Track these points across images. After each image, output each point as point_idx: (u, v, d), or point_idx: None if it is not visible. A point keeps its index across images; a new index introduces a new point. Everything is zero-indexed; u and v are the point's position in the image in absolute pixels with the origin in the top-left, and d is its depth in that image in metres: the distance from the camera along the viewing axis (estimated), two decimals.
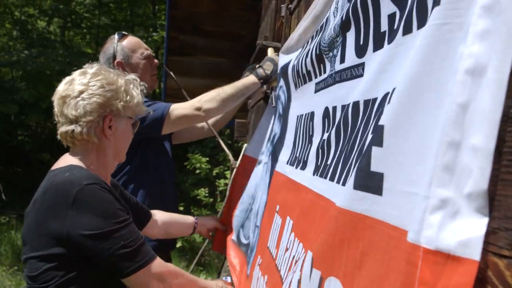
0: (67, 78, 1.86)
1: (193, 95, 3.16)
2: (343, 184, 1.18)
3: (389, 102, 0.98)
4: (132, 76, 1.99)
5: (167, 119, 2.55)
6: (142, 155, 2.66)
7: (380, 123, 0.97)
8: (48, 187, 1.72)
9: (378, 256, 0.94)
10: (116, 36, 2.78)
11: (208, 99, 2.58)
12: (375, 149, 0.98)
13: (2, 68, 12.88)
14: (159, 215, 2.46)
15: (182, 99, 3.36)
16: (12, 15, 14.89)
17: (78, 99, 1.78)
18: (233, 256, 2.71)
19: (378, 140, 0.97)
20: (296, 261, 1.42)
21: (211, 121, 3.04)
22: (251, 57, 4.28)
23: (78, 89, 1.79)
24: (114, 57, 2.72)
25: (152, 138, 2.68)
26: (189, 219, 2.69)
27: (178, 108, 2.57)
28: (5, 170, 12.78)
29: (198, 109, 2.56)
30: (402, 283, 0.80)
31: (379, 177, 0.95)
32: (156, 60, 2.88)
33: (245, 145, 3.54)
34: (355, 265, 1.02)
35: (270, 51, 2.90)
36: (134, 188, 2.63)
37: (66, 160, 1.84)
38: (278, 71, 2.55)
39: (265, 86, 2.78)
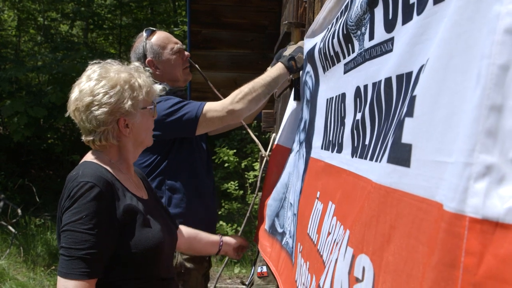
0: (75, 86, 1.87)
1: (218, 88, 3.16)
2: (380, 160, 1.17)
3: (422, 72, 0.96)
4: (134, 64, 1.99)
5: (201, 121, 2.55)
6: (176, 153, 2.67)
7: (414, 94, 0.96)
8: (64, 186, 1.81)
9: (405, 230, 0.93)
10: (144, 34, 2.77)
11: (239, 99, 2.57)
12: (407, 120, 0.97)
13: (28, 73, 13.04)
14: (184, 229, 2.44)
15: (208, 92, 3.35)
16: (35, 21, 15.08)
17: (88, 112, 1.81)
18: (268, 246, 2.70)
19: (410, 110, 0.96)
20: (337, 243, 1.41)
21: None
22: (275, 46, 4.25)
23: (86, 101, 1.81)
24: (145, 56, 2.72)
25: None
26: (215, 237, 2.63)
27: (211, 110, 2.57)
28: (37, 173, 13.00)
29: (231, 112, 2.57)
30: (444, 254, 0.77)
31: (408, 148, 0.95)
32: (187, 53, 2.86)
33: (273, 135, 3.52)
34: (384, 240, 1.01)
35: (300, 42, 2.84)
36: (170, 186, 2.64)
37: (85, 157, 1.92)
38: (304, 57, 2.52)
39: (291, 75, 2.76)
